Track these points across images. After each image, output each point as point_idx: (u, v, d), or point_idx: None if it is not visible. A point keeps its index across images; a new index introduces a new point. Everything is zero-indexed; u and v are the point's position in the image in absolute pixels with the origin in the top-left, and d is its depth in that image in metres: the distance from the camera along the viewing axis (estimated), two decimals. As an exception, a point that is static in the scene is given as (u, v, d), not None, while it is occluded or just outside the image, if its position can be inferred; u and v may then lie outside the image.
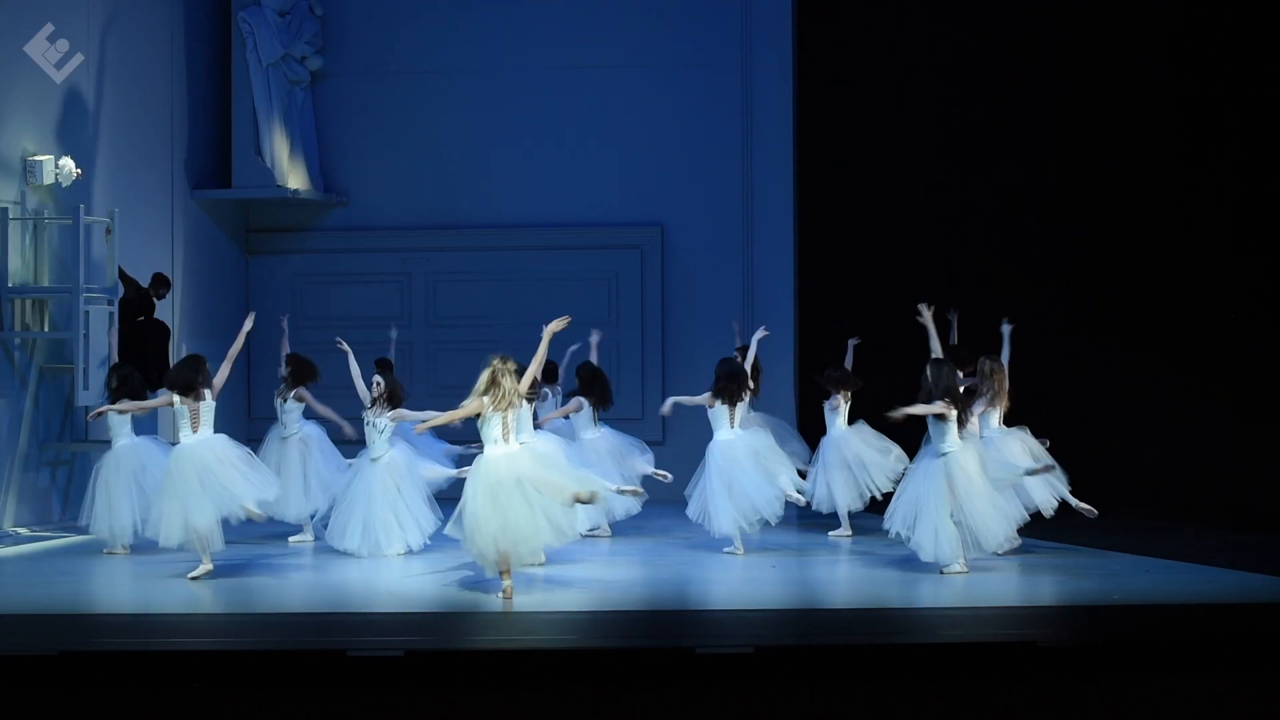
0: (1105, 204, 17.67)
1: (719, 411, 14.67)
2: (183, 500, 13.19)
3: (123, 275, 16.81)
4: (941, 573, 13.03)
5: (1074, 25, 17.86)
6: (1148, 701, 9.32)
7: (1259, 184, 16.31)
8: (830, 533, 15.71)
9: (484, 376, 12.22)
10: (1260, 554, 14.13)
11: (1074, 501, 14.10)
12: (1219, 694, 9.40)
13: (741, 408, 14.76)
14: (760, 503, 14.43)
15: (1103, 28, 17.62)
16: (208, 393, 13.48)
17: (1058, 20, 17.97)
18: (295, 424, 15.48)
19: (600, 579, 13.54)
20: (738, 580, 13.62)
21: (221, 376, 13.66)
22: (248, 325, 14.18)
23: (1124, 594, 12.21)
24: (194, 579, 13.10)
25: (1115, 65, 17.56)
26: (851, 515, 15.64)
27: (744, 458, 14.52)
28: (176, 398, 13.46)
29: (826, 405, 15.71)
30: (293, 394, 15.43)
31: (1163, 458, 16.82)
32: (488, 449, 12.24)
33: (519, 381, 12.31)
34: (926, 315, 13.68)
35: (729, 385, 14.64)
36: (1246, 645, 10.20)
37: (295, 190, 19.52)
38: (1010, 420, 14.44)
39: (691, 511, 14.68)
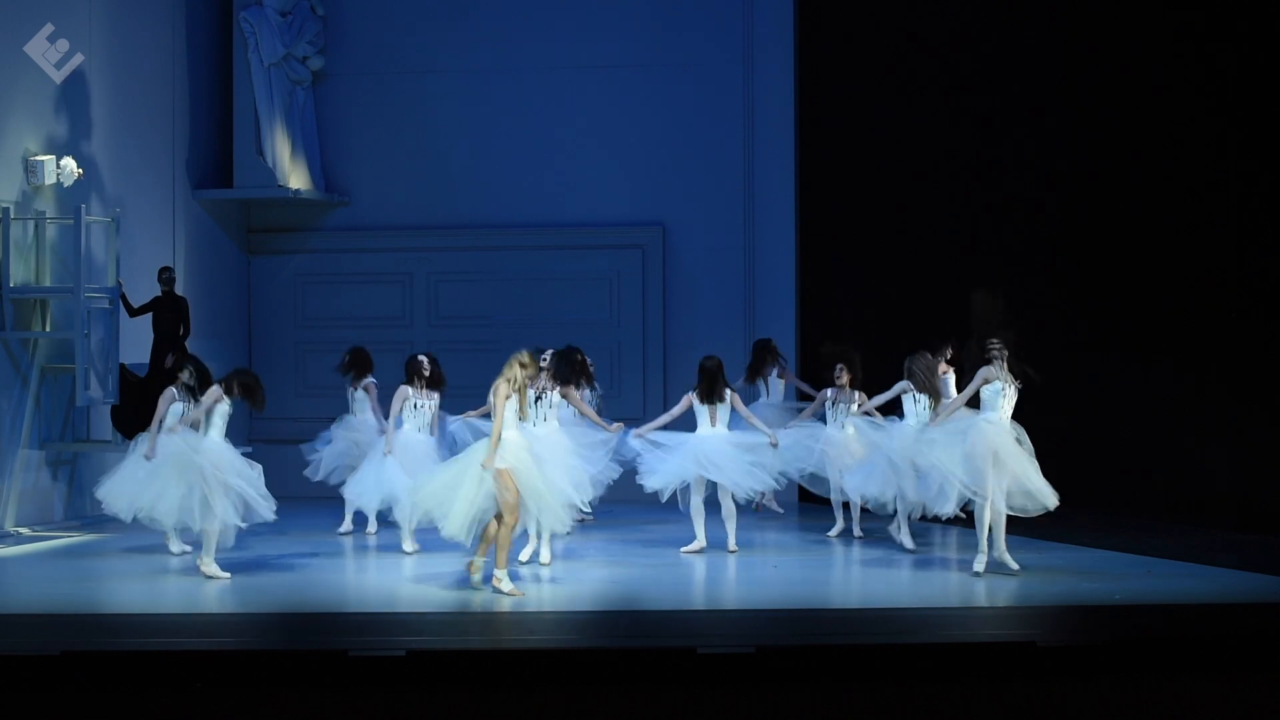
0: (1107, 203, 17.65)
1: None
2: None
3: (128, 304, 16.81)
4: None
5: (1079, 24, 17.85)
6: (1148, 701, 9.32)
7: (1261, 184, 16.29)
8: (829, 532, 15.76)
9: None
10: (1260, 554, 14.14)
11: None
12: (1219, 694, 9.40)
13: (719, 408, 14.74)
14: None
15: (1108, 28, 17.61)
16: None
17: (1062, 18, 17.96)
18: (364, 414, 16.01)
19: (600, 578, 13.54)
20: (738, 580, 13.63)
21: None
22: None
23: (1124, 594, 12.21)
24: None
25: (1120, 62, 17.54)
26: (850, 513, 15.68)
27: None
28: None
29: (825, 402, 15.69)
30: (361, 385, 16.11)
31: (1163, 458, 16.81)
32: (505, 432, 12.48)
33: (528, 369, 12.65)
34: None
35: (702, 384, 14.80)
36: (1246, 645, 10.22)
37: (296, 190, 19.52)
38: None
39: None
